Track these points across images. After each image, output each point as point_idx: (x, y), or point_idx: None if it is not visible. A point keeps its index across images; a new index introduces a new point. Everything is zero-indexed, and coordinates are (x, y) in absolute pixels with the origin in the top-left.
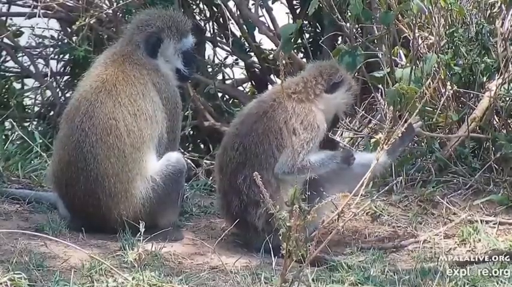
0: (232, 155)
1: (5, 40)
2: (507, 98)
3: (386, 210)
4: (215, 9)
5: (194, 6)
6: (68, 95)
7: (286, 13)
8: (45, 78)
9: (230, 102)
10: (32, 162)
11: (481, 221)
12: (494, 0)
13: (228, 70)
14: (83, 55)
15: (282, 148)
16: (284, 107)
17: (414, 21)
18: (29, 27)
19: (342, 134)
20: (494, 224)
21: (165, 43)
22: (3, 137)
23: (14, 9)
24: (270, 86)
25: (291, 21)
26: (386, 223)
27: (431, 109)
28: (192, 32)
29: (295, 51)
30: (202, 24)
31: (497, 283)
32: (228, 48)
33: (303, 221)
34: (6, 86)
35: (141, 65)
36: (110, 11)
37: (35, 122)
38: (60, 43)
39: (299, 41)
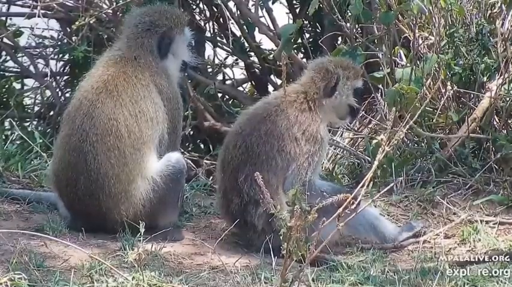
0: (234, 154)
1: (5, 40)
2: (507, 98)
3: (387, 210)
4: (215, 9)
5: (194, 6)
6: (67, 95)
7: (286, 13)
8: (45, 78)
9: (230, 102)
10: (32, 162)
11: (481, 221)
12: (494, 0)
13: (228, 70)
14: (83, 55)
15: (283, 153)
16: (286, 114)
17: (414, 22)
18: (29, 27)
19: (342, 135)
20: (494, 224)
21: (176, 40)
22: (3, 137)
23: (14, 9)
24: (270, 87)
25: (291, 21)
26: None
27: (431, 109)
28: (187, 24)
29: (295, 51)
30: (202, 24)
31: (497, 283)
32: (228, 48)
33: (303, 222)
34: (6, 86)
35: (144, 67)
36: (110, 11)
37: (35, 122)
38: (60, 43)
39: (299, 41)
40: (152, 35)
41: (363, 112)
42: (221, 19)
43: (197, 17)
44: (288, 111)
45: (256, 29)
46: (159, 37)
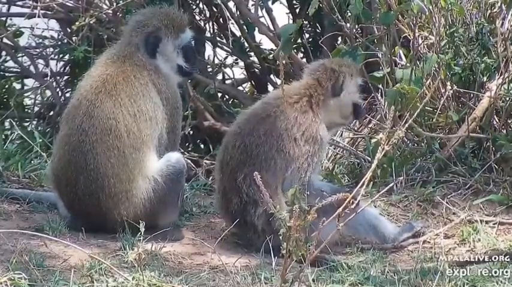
0: (233, 154)
1: (5, 40)
2: (507, 98)
3: (387, 210)
4: (215, 9)
5: (194, 6)
6: (67, 95)
7: (286, 13)
8: (45, 78)
9: (230, 102)
10: (32, 162)
11: (480, 221)
12: (494, 0)
13: (228, 70)
14: (83, 55)
15: (283, 153)
16: (286, 115)
17: (414, 21)
18: (29, 27)
19: (342, 134)
20: (494, 224)
21: (164, 41)
22: (3, 137)
23: (14, 9)
24: (270, 86)
25: (291, 21)
26: None
27: (431, 109)
28: (190, 26)
29: (295, 51)
30: (202, 24)
31: (497, 283)
32: (228, 49)
33: (303, 222)
34: (6, 86)
35: (141, 66)
36: (110, 11)
37: (34, 122)
38: (60, 43)
39: (299, 41)
40: (139, 34)
41: None
42: (221, 19)
43: (197, 17)
44: (287, 111)
45: (256, 29)
46: (145, 36)
